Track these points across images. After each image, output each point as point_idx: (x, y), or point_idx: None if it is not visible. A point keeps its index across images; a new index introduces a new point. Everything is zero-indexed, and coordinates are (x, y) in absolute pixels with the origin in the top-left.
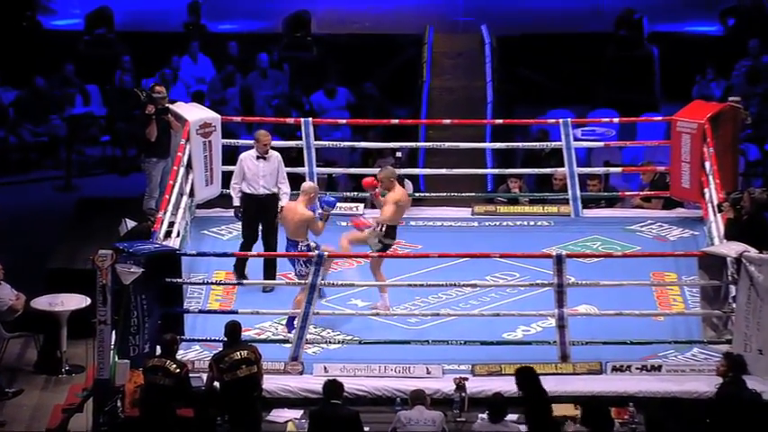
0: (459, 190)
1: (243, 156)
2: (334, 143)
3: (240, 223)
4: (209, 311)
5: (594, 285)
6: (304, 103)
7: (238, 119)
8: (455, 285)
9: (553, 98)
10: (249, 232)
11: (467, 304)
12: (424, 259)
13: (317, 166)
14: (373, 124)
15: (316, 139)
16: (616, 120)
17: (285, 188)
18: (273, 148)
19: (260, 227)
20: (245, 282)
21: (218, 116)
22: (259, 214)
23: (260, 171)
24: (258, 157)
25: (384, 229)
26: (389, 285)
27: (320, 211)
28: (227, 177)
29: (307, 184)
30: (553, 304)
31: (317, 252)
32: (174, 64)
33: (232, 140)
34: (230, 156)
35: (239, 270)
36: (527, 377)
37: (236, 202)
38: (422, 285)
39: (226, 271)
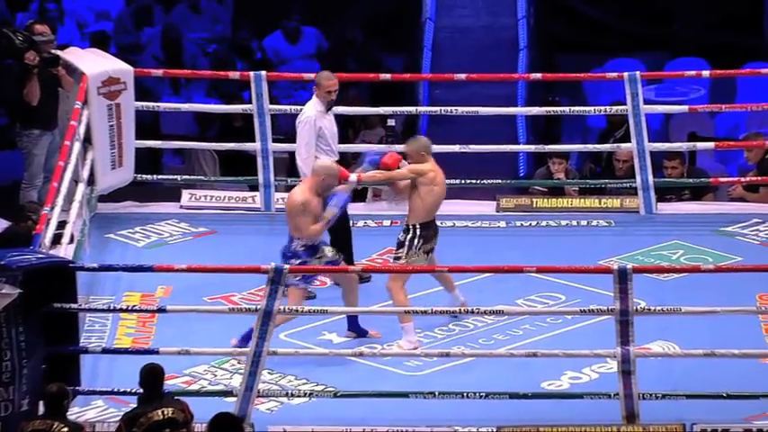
0: (479, 176)
1: (310, 113)
2: (299, 108)
3: None
4: (118, 351)
5: (675, 313)
6: (254, 49)
7: (159, 72)
8: (473, 312)
9: (615, 42)
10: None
11: (490, 340)
12: (429, 276)
13: (274, 140)
14: (354, 80)
15: (272, 103)
16: (706, 73)
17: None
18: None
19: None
20: (168, 308)
21: (130, 68)
22: None
23: (333, 129)
24: (327, 110)
25: (419, 229)
26: (374, 313)
27: (332, 207)
28: (143, 157)
29: (319, 163)
30: (614, 340)
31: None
32: None
33: (151, 103)
34: (149, 125)
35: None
36: None
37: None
38: (425, 313)
39: (141, 292)
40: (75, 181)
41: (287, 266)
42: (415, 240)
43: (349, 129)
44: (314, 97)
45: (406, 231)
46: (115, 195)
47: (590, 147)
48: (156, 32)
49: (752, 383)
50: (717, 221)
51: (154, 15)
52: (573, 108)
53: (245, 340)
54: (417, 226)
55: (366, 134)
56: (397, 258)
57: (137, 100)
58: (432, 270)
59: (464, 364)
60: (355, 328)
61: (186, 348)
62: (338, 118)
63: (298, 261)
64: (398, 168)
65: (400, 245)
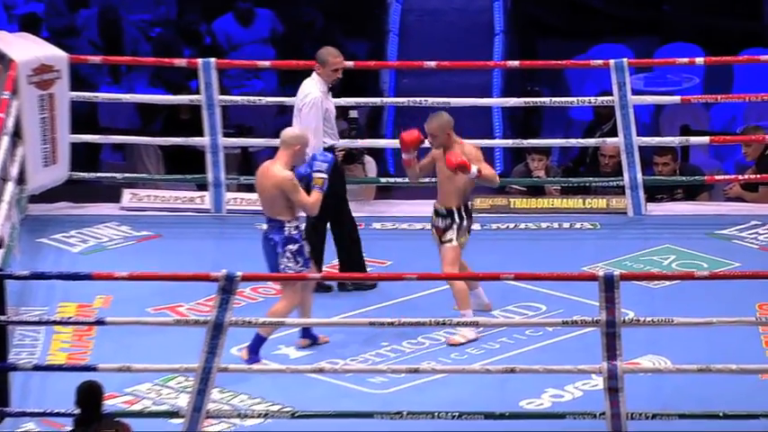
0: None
1: (315, 93)
2: (252, 99)
3: None
4: (51, 368)
5: (666, 324)
6: (203, 33)
7: (97, 59)
8: (444, 324)
9: (601, 26)
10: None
11: (463, 354)
12: (396, 283)
13: (225, 134)
14: (313, 68)
15: (221, 93)
16: (700, 60)
17: None
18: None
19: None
20: (107, 320)
21: (65, 55)
22: (338, 178)
23: (334, 110)
24: (330, 90)
25: (463, 211)
26: (336, 324)
27: (319, 172)
28: (80, 153)
29: (290, 132)
30: (600, 355)
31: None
32: None
33: (87, 93)
34: (86, 118)
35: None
36: None
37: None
38: (391, 325)
39: (78, 303)
40: (2, 179)
41: (239, 273)
42: (464, 222)
43: None
44: (315, 75)
45: (449, 216)
46: (48, 195)
47: (573, 141)
48: (93, 14)
49: (751, 402)
50: (712, 223)
51: None
52: (554, 99)
53: (254, 352)
54: (462, 207)
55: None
56: (448, 241)
57: (72, 89)
58: (400, 277)
59: (435, 381)
60: (308, 333)
61: (127, 365)
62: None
63: (296, 246)
64: (418, 146)
65: (447, 228)
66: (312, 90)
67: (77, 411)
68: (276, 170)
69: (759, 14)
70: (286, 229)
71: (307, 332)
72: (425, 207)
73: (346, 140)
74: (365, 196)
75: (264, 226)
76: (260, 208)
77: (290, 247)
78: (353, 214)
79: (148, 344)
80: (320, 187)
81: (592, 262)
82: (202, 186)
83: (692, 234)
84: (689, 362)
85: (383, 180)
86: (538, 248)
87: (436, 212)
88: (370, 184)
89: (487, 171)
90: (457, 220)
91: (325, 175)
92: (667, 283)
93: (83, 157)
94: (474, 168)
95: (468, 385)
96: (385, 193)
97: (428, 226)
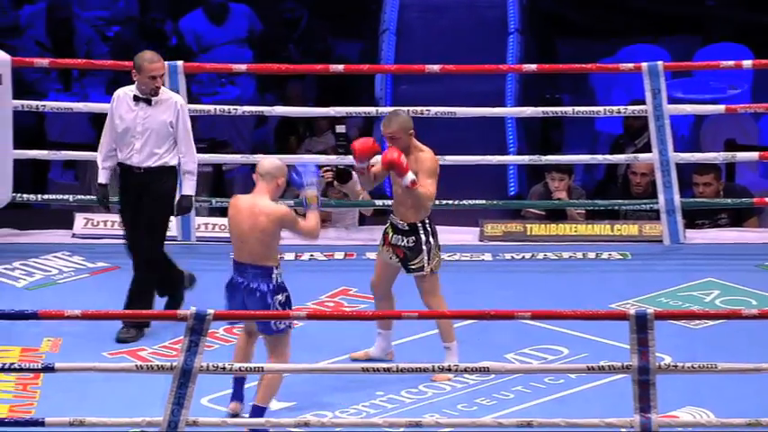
0: (458, 195)
1: (117, 93)
2: (226, 108)
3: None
4: None
5: (708, 371)
6: (167, 32)
7: (44, 62)
8: (449, 370)
9: (632, 25)
10: (126, 230)
11: (472, 406)
12: (394, 323)
13: (198, 149)
14: (297, 72)
15: (191, 101)
16: (748, 63)
17: (190, 162)
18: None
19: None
20: (56, 366)
21: (7, 57)
22: (135, 203)
23: (137, 124)
24: (138, 99)
25: (428, 225)
26: (323, 371)
27: (310, 188)
28: (24, 171)
29: (269, 163)
30: (632, 406)
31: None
32: None
33: (33, 102)
34: (32, 131)
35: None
36: None
37: (102, 179)
38: (388, 371)
39: (21, 346)
40: None
41: (210, 311)
42: (431, 239)
43: (290, 136)
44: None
45: (412, 233)
46: None
47: (599, 158)
48: (40, 10)
49: None
50: (762, 253)
51: None
52: (578, 109)
53: (236, 394)
54: (426, 222)
55: (311, 143)
56: (418, 269)
57: (15, 97)
58: (398, 315)
59: None
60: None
61: (80, 418)
62: (275, 122)
63: (284, 295)
64: (372, 155)
65: (415, 251)
66: (120, 91)
67: None
68: (267, 205)
69: None
70: (274, 275)
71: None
72: None
73: (334, 157)
74: (348, 221)
75: (239, 274)
76: None
77: (279, 297)
78: (340, 242)
79: (105, 394)
80: (316, 205)
81: (622, 298)
82: None
83: (738, 266)
84: (735, 415)
85: (378, 203)
86: (559, 282)
87: (394, 228)
88: (365, 207)
89: (425, 190)
90: (422, 237)
91: (316, 192)
92: (710, 322)
93: (28, 176)
94: (411, 175)
95: None
96: (381, 218)
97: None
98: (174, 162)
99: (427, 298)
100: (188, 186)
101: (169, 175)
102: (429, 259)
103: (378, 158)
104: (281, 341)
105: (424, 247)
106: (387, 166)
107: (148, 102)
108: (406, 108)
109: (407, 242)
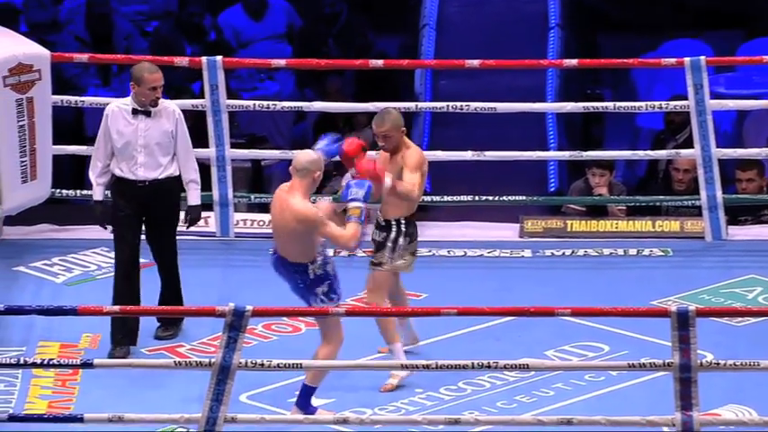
0: (498, 191)
1: (110, 108)
2: (265, 103)
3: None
4: (30, 418)
5: (751, 369)
6: (207, 28)
7: (84, 57)
8: (488, 367)
9: (674, 19)
10: (124, 251)
11: (512, 403)
12: (432, 319)
13: (234, 145)
14: (336, 68)
15: (229, 97)
16: None
17: (192, 171)
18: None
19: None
20: (95, 362)
21: (46, 53)
22: (141, 216)
23: (138, 137)
24: (136, 112)
25: (403, 225)
26: (362, 368)
27: (355, 202)
28: (63, 167)
29: (305, 157)
30: (673, 404)
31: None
32: None
33: (73, 98)
34: (71, 126)
35: (118, 332)
36: None
37: (99, 196)
38: (427, 368)
39: (61, 342)
40: None
41: (249, 308)
42: (400, 239)
43: (328, 131)
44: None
45: (385, 229)
46: (27, 217)
47: (641, 154)
48: (79, 6)
49: None
50: None
51: None
52: (619, 104)
53: (304, 407)
54: (402, 221)
55: (354, 136)
56: (378, 264)
57: (55, 93)
58: (437, 312)
59: None
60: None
61: (119, 414)
62: (314, 117)
63: (325, 285)
64: (359, 156)
65: (379, 246)
66: (112, 105)
67: None
68: (297, 204)
69: None
70: (310, 270)
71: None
72: (469, 230)
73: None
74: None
75: (276, 265)
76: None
77: (320, 288)
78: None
79: (143, 390)
80: (357, 218)
81: (663, 295)
82: (207, 206)
83: None
84: None
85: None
86: (599, 279)
87: (377, 224)
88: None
89: (406, 186)
90: (392, 235)
91: (363, 205)
92: (752, 320)
93: (67, 172)
94: (388, 180)
95: None
96: (420, 214)
97: (470, 252)
98: (178, 172)
99: (369, 295)
100: (194, 196)
101: (175, 184)
102: (392, 257)
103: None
104: (328, 323)
105: (389, 245)
106: (369, 179)
107: (148, 113)
108: (445, 103)
109: (380, 237)
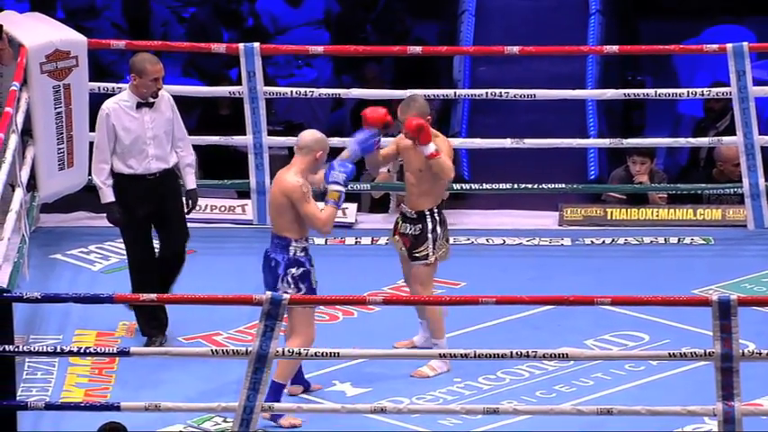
0: (537, 179)
1: (107, 106)
2: (302, 90)
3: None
4: (66, 406)
5: None
6: (244, 14)
7: (121, 44)
8: (527, 356)
9: (716, 4)
10: (139, 246)
11: (551, 392)
12: (472, 308)
13: (271, 132)
14: (374, 54)
15: (267, 84)
16: None
17: (189, 155)
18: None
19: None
20: (132, 350)
21: (83, 39)
22: (152, 210)
23: (146, 130)
24: (140, 105)
25: (436, 214)
26: (394, 356)
27: (336, 184)
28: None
29: (308, 135)
30: (714, 394)
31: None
32: None
33: (110, 84)
34: None
35: (148, 324)
36: None
37: (112, 197)
38: (465, 357)
39: (97, 330)
40: (10, 185)
41: (286, 296)
42: (438, 228)
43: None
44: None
45: (419, 221)
46: (64, 204)
47: (682, 141)
48: None
49: None
50: None
51: None
52: (660, 91)
53: (275, 398)
54: (435, 211)
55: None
56: (423, 258)
57: (92, 79)
58: (476, 301)
59: (517, 423)
60: (300, 379)
61: (156, 403)
62: (352, 105)
63: (300, 270)
64: (383, 125)
65: (420, 239)
66: (108, 104)
67: None
68: (285, 177)
69: None
70: (291, 248)
71: (299, 378)
72: (508, 218)
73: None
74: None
75: (270, 243)
76: None
77: (293, 270)
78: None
79: (180, 378)
80: (335, 202)
81: (704, 284)
82: (244, 193)
83: None
84: None
85: (456, 186)
86: (640, 267)
87: (404, 217)
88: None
89: (445, 162)
90: (429, 226)
91: (342, 189)
92: None
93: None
94: (432, 146)
95: (556, 428)
96: (458, 201)
97: (509, 240)
98: (177, 158)
99: (418, 288)
100: (192, 180)
101: (177, 171)
102: (434, 248)
103: (387, 141)
104: (299, 317)
105: (429, 236)
106: (414, 132)
107: (150, 105)
108: (484, 90)
109: (414, 230)
